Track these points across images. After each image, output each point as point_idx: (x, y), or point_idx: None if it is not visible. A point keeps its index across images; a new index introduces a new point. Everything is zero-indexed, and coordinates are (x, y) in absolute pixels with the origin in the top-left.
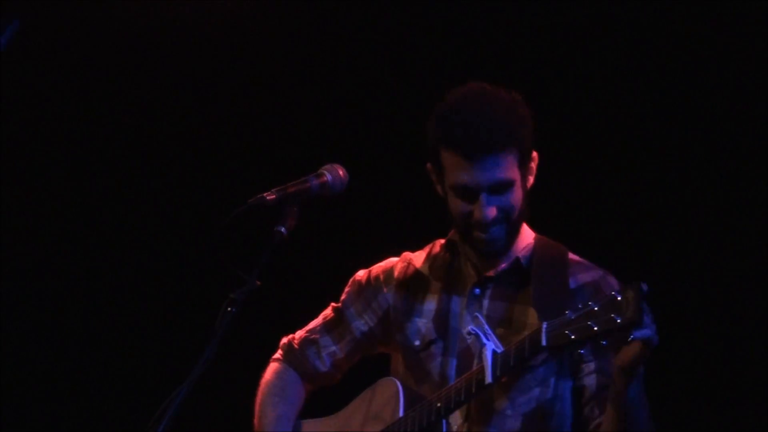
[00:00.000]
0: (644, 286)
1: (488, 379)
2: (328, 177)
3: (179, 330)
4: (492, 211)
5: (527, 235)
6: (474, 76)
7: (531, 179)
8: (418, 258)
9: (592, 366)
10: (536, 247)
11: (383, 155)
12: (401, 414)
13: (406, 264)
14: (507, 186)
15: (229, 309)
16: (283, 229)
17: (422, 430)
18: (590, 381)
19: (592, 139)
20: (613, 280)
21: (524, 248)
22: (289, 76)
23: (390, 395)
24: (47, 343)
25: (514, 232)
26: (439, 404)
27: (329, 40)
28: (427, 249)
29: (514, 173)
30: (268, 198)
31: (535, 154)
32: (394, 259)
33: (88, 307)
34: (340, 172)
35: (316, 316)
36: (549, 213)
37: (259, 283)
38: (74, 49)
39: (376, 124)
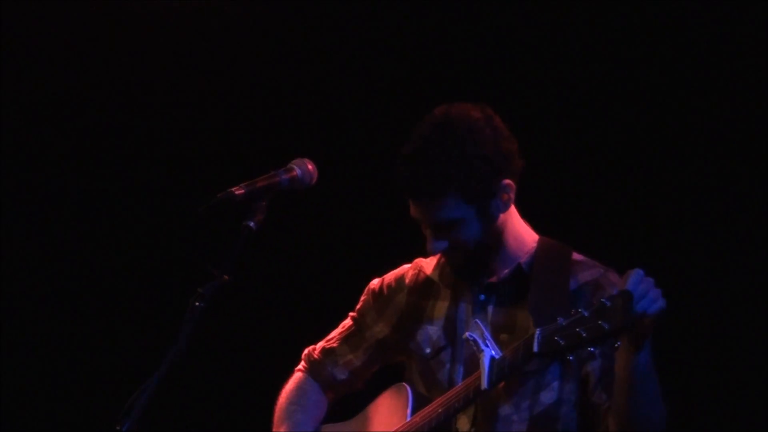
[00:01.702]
0: (639, 271)
1: (484, 385)
2: (297, 171)
3: (147, 325)
4: (438, 246)
5: (529, 239)
6: (457, 72)
7: (504, 207)
8: (428, 264)
9: (596, 351)
10: (538, 250)
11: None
12: (408, 419)
13: (417, 271)
14: (451, 225)
15: (197, 303)
16: (252, 224)
17: None
18: (594, 366)
19: (594, 137)
20: (614, 277)
21: (526, 253)
22: (264, 71)
23: (400, 400)
24: (11, 339)
25: (482, 258)
26: (440, 410)
27: (305, 34)
28: (438, 255)
29: (459, 212)
30: (236, 192)
31: (507, 182)
32: (406, 266)
33: (55, 303)
34: (309, 167)
35: (332, 324)
36: (553, 211)
37: (227, 277)
38: (36, 44)
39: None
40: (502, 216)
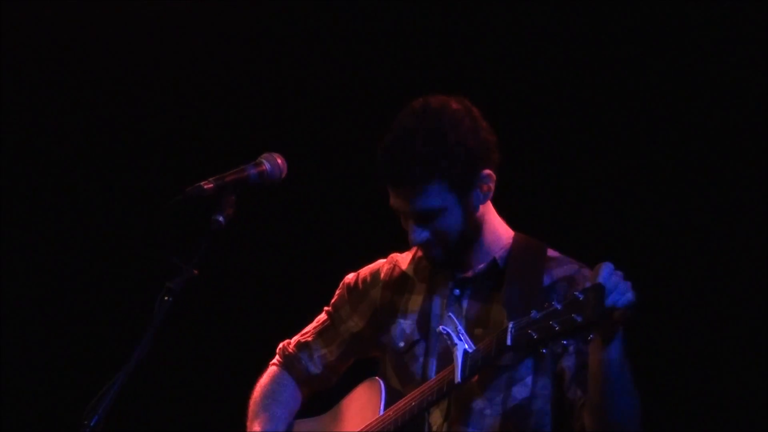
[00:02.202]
0: (609, 264)
1: (457, 378)
2: (266, 166)
3: (115, 319)
4: (420, 236)
5: (505, 235)
6: (428, 66)
7: (484, 198)
8: (404, 259)
9: (570, 347)
10: (513, 246)
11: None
12: (381, 413)
13: (392, 265)
14: (434, 214)
15: (165, 298)
16: (220, 218)
17: (399, 428)
18: (569, 362)
19: (582, 135)
20: (589, 272)
21: (501, 248)
22: (233, 65)
23: (373, 395)
24: None
25: (461, 250)
26: (413, 403)
27: (274, 27)
28: (413, 250)
29: (441, 201)
30: (205, 187)
31: (487, 172)
32: (381, 261)
33: (21, 297)
34: (279, 161)
35: (306, 319)
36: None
37: (196, 272)
38: None
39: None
40: (481, 208)
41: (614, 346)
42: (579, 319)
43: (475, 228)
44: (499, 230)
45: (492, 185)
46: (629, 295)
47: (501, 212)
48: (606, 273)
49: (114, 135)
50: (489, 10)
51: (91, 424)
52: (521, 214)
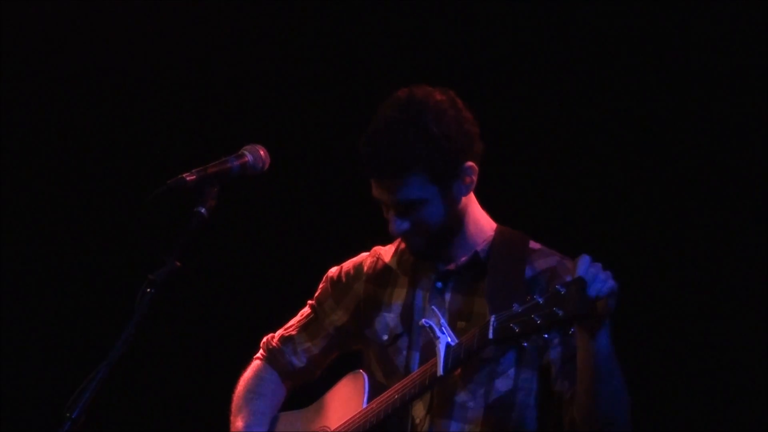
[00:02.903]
0: (586, 257)
1: (440, 371)
2: (249, 157)
3: (98, 311)
4: (401, 226)
5: (488, 227)
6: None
7: (466, 190)
8: (387, 252)
9: (555, 340)
10: (496, 238)
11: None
12: (365, 406)
13: (375, 258)
14: (415, 204)
15: (148, 290)
16: (203, 210)
17: (382, 421)
18: (554, 354)
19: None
20: (571, 264)
21: (484, 240)
22: (215, 56)
23: (356, 388)
24: None
25: (443, 241)
26: (396, 396)
27: (257, 17)
28: (396, 243)
29: (423, 192)
30: (188, 179)
31: (469, 164)
32: (364, 254)
33: (2, 291)
34: (261, 153)
35: (290, 312)
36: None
37: (178, 264)
38: None
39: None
40: (464, 200)
41: (602, 338)
42: (560, 312)
43: (456, 220)
44: (481, 222)
45: (474, 177)
46: (610, 283)
47: (484, 204)
48: (584, 265)
49: (96, 127)
50: (471, 2)
51: (73, 417)
52: (504, 207)
